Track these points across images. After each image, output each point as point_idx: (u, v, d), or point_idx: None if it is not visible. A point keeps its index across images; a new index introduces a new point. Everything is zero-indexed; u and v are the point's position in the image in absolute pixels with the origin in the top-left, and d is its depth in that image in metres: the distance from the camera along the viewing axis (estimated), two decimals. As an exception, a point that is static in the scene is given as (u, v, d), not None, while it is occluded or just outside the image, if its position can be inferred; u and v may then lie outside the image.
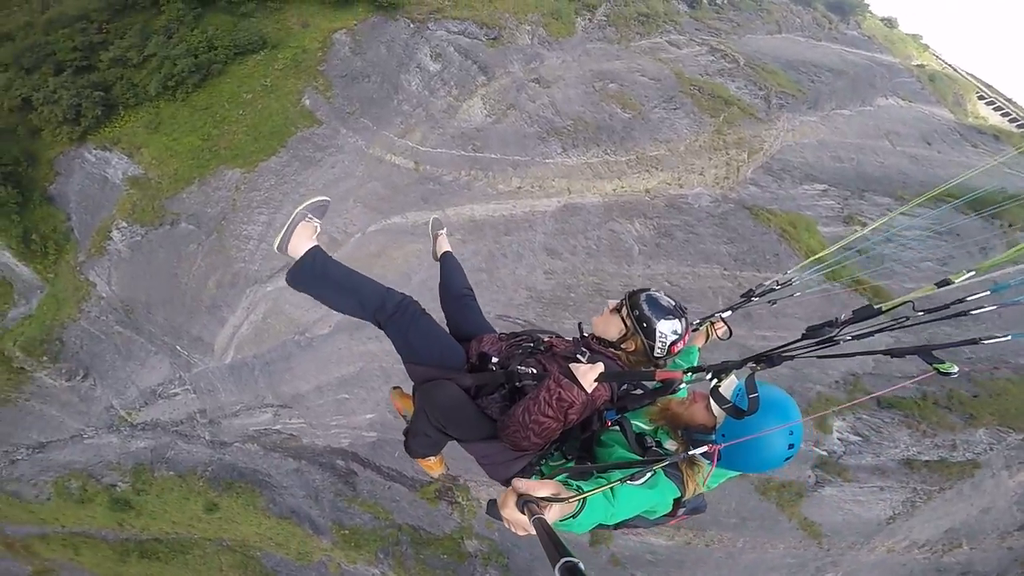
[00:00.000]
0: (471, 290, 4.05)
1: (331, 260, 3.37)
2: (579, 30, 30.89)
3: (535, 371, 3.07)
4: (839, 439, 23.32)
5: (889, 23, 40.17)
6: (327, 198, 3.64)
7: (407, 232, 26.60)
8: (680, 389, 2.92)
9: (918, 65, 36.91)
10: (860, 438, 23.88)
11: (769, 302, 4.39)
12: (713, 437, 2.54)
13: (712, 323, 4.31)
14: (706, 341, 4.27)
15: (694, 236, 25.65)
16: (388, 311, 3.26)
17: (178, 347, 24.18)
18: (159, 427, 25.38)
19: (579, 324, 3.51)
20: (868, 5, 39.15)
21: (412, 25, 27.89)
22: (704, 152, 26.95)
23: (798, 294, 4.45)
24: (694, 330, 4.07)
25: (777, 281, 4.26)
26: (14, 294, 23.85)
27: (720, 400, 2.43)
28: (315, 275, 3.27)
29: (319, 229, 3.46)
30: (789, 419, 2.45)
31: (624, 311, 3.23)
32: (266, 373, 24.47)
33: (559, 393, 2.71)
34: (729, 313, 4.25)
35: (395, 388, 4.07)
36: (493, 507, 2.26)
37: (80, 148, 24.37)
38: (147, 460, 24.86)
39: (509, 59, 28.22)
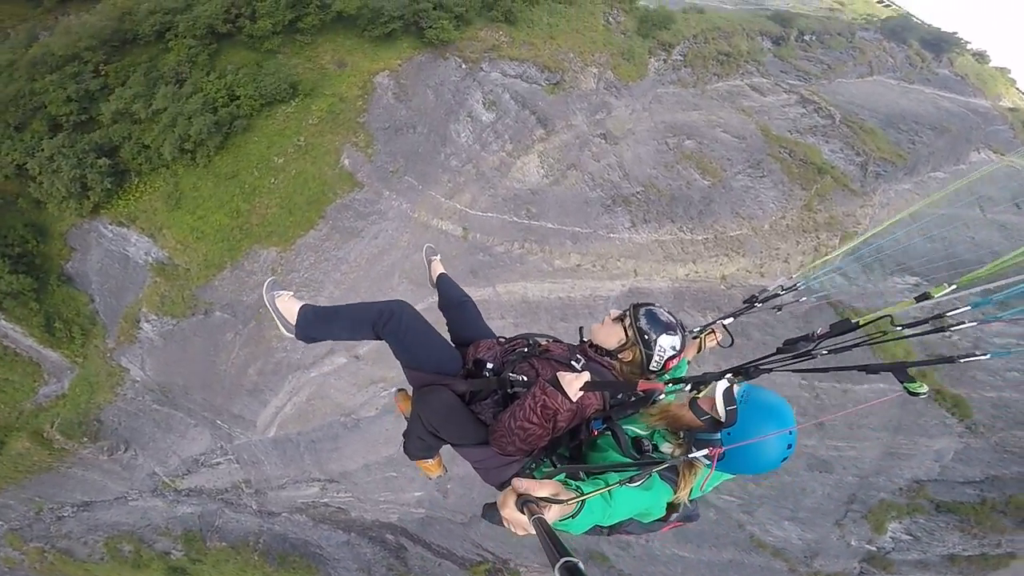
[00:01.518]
0: (469, 297, 3.60)
1: (320, 307, 3.08)
2: (651, 72, 22.26)
3: (524, 378, 2.69)
4: (891, 538, 21.19)
5: (980, 58, 32.24)
6: (274, 277, 3.41)
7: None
8: (661, 399, 2.49)
9: (1011, 109, 29.21)
10: (911, 538, 21.14)
11: (775, 308, 3.70)
12: (718, 437, 2.12)
13: (705, 335, 3.59)
14: (698, 352, 3.63)
15: (771, 338, 19.08)
16: (383, 321, 2.84)
17: (218, 421, 20.80)
18: (204, 494, 22.52)
19: (580, 329, 3.09)
20: (966, 43, 30.56)
21: (464, 66, 20.30)
22: (791, 233, 20.51)
23: (804, 299, 3.71)
24: (694, 337, 3.50)
25: (781, 286, 3.54)
26: (43, 373, 19.96)
27: (698, 412, 2.16)
28: (315, 323, 2.99)
29: (292, 293, 3.15)
30: (786, 421, 2.12)
31: (627, 321, 2.81)
32: (312, 450, 21.53)
33: (544, 400, 2.38)
34: (731, 320, 3.53)
35: (400, 390, 3.50)
36: (489, 510, 2.10)
37: (94, 221, 18.76)
38: (195, 526, 22.54)
39: (572, 108, 20.91)
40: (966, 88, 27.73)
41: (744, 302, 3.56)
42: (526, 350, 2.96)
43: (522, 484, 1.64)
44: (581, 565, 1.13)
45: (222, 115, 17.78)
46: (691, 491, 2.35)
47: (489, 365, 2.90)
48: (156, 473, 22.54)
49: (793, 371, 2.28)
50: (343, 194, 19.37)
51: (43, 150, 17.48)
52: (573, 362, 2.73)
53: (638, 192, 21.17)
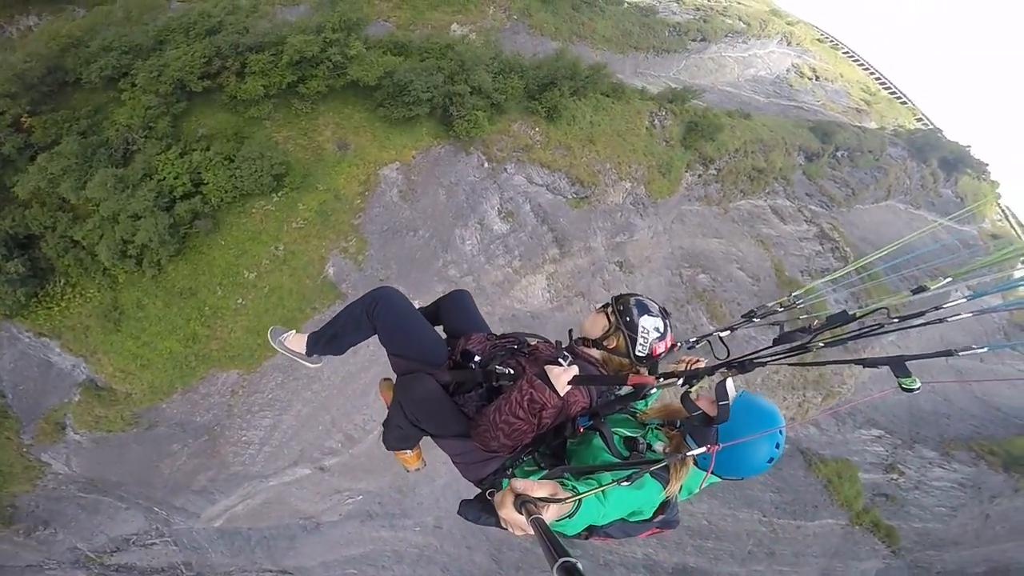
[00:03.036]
0: (464, 290, 3.50)
1: (320, 330, 3.10)
2: (682, 187, 20.44)
3: (511, 371, 2.64)
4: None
5: (980, 173, 32.17)
6: (275, 327, 3.44)
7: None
8: (651, 395, 2.51)
9: (993, 236, 30.20)
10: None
11: (775, 324, 3.29)
12: (716, 427, 2.10)
13: (694, 360, 3.21)
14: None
15: (744, 482, 22.71)
16: (372, 308, 2.84)
17: (155, 508, 18.40)
18: (137, 571, 19.88)
19: (569, 330, 3.04)
20: (985, 164, 30.87)
21: (487, 164, 17.43)
22: (780, 389, 20.35)
23: (803, 317, 3.50)
24: (690, 348, 3.34)
25: (781, 303, 3.41)
26: None
27: (690, 407, 2.09)
28: (326, 344, 3.09)
29: (294, 331, 3.30)
30: (775, 422, 2.15)
31: (609, 308, 2.82)
32: (264, 545, 19.62)
33: (531, 394, 2.31)
34: (728, 333, 3.23)
35: (385, 379, 3.41)
36: (466, 508, 2.29)
37: (4, 322, 14.91)
38: (126, 601, 19.67)
39: (594, 227, 19.00)
40: (965, 215, 28.15)
41: (742, 316, 3.42)
42: (515, 347, 2.84)
43: (520, 484, 1.57)
44: (580, 565, 1.06)
45: (180, 212, 13.95)
46: (681, 488, 2.26)
47: (476, 357, 2.76)
48: (79, 548, 20.20)
49: (788, 364, 2.17)
50: (323, 308, 16.57)
51: None
52: (560, 359, 2.54)
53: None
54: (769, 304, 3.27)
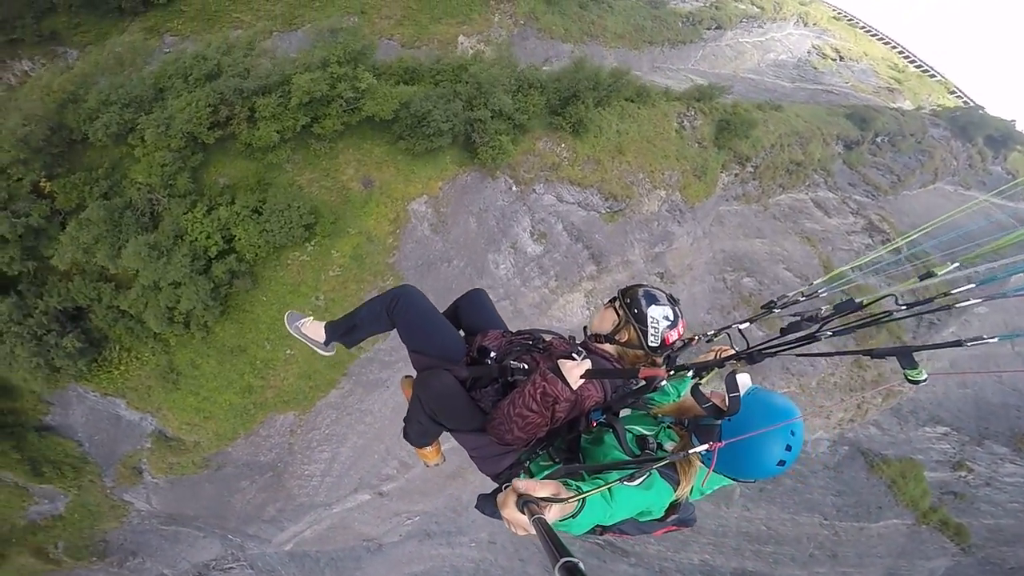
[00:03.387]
0: (480, 289, 2.97)
1: (339, 320, 2.80)
2: (719, 188, 17.35)
3: (525, 366, 2.32)
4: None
5: None
6: (291, 310, 3.09)
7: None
8: (662, 387, 1.99)
9: None
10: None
11: (795, 315, 2.40)
12: (718, 427, 1.79)
13: (722, 349, 2.53)
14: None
15: (802, 486, 17.52)
16: (392, 306, 2.54)
17: (229, 536, 17.70)
18: None
19: (584, 327, 2.57)
20: None
21: (515, 188, 15.02)
22: (837, 391, 17.42)
23: (824, 307, 2.43)
24: (708, 341, 2.67)
25: (802, 293, 2.60)
26: (31, 496, 16.01)
27: (700, 399, 1.83)
28: (341, 332, 2.81)
29: (311, 317, 2.94)
30: (789, 438, 1.72)
31: (616, 302, 2.44)
32: (332, 566, 18.74)
33: (544, 387, 2.02)
34: (747, 325, 2.60)
35: (406, 377, 2.85)
36: (483, 502, 2.13)
37: (73, 385, 13.89)
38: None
39: (631, 239, 16.28)
40: (1016, 191, 23.67)
41: (762, 307, 2.68)
42: (530, 343, 2.50)
43: (522, 484, 1.37)
44: (582, 565, 0.95)
45: (218, 274, 12.16)
46: (692, 490, 1.91)
47: (492, 353, 2.44)
48: (165, 574, 19.63)
49: (797, 355, 1.78)
50: (368, 347, 14.79)
51: None
52: (574, 355, 2.20)
53: (687, 339, 17.26)
54: (790, 294, 2.60)
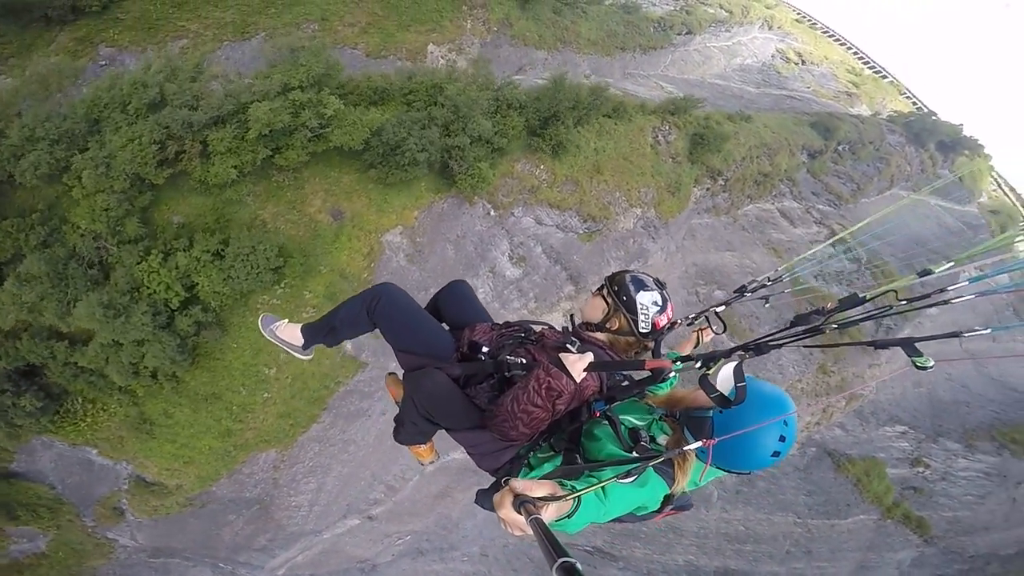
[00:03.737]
0: (462, 280, 2.68)
1: (316, 322, 2.48)
2: (691, 202, 16.55)
3: (524, 361, 2.09)
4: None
5: (973, 149, 26.58)
6: (265, 313, 2.75)
7: (470, 470, 15.60)
8: (669, 379, 1.95)
9: (993, 212, 25.36)
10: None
11: (762, 299, 2.99)
12: (710, 414, 1.69)
13: (702, 329, 2.89)
14: (696, 346, 2.84)
15: (775, 487, 17.43)
16: (372, 306, 2.24)
17: (220, 564, 16.26)
18: None
19: (571, 315, 2.45)
20: (980, 145, 25.47)
21: (493, 213, 13.75)
22: (804, 397, 17.15)
23: (787, 291, 2.00)
24: (688, 324, 2.77)
25: (768, 278, 2.80)
26: (9, 536, 14.41)
27: (708, 388, 1.61)
28: (319, 334, 2.48)
29: (287, 320, 2.62)
30: (781, 411, 1.60)
31: (605, 290, 2.23)
32: None
33: (548, 382, 1.85)
34: (723, 308, 2.73)
35: (390, 374, 2.61)
36: (482, 497, 1.93)
37: (36, 437, 12.32)
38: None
39: (607, 258, 15.38)
40: (962, 194, 23.62)
41: (735, 291, 2.81)
42: (522, 336, 2.26)
43: (519, 484, 1.27)
44: (579, 565, 0.87)
45: (182, 327, 10.52)
46: (685, 483, 1.77)
47: (484, 348, 2.18)
48: (155, 602, 18.32)
49: (803, 346, 1.76)
50: (346, 380, 13.55)
51: None
52: (569, 345, 2.02)
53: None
54: (759, 278, 2.78)
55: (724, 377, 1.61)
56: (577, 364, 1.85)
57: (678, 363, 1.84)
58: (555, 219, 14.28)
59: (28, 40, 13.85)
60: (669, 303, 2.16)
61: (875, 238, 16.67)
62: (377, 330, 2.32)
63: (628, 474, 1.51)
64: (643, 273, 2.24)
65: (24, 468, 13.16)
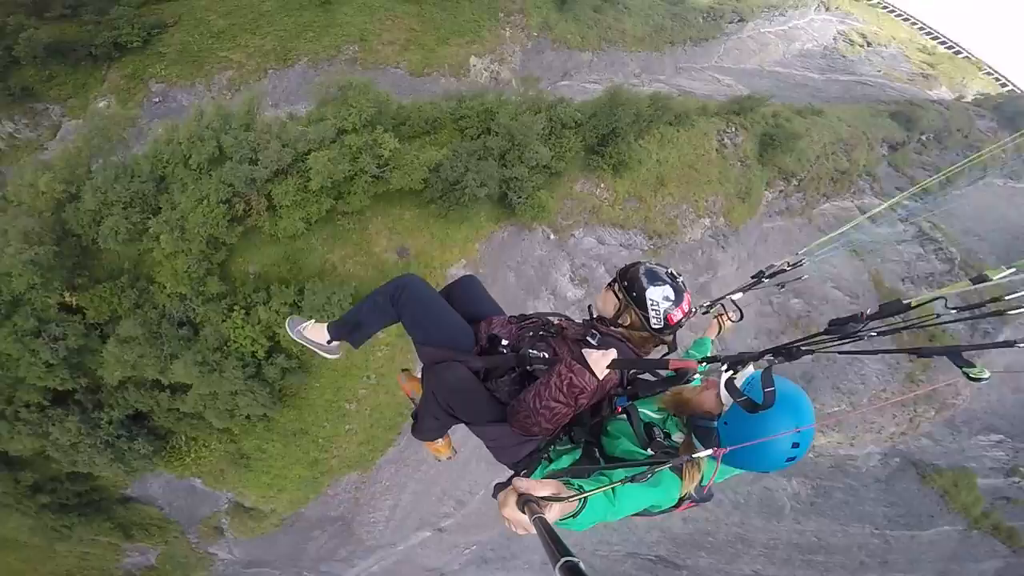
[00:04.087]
0: (471, 275, 2.45)
1: (342, 318, 2.30)
2: (763, 206, 14.45)
3: (547, 355, 1.91)
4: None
5: None
6: (291, 316, 2.68)
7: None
8: (694, 379, 1.70)
9: None
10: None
11: (778, 285, 2.60)
12: (715, 424, 1.55)
13: (720, 314, 2.59)
14: (719, 332, 2.58)
15: (853, 498, 15.52)
16: (396, 298, 2.06)
17: (304, 572, 16.27)
18: None
19: (588, 306, 2.19)
20: None
21: (553, 237, 12.59)
22: (889, 408, 15.12)
23: (806, 276, 2.55)
24: (704, 313, 2.47)
25: (788, 263, 2.41)
26: (124, 551, 15.08)
27: (735, 392, 1.44)
28: (346, 331, 2.27)
29: (313, 320, 2.41)
30: (797, 419, 1.41)
31: (616, 285, 1.98)
32: None
33: (570, 379, 1.67)
34: (740, 295, 2.49)
35: (404, 370, 2.49)
36: (499, 491, 1.49)
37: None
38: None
39: None
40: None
41: (752, 277, 2.47)
42: (542, 329, 2.05)
43: (522, 484, 1.18)
44: (582, 565, 0.83)
45: (270, 375, 10.21)
46: (701, 480, 1.61)
47: (504, 342, 2.01)
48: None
49: (839, 352, 1.46)
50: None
51: (57, 438, 10.34)
52: (589, 338, 1.89)
53: (737, 365, 14.70)
54: (777, 263, 2.39)
55: (741, 374, 1.44)
56: (600, 361, 1.66)
57: (703, 364, 1.62)
58: (618, 238, 12.66)
59: (81, 79, 13.66)
60: (685, 295, 1.87)
61: (978, 239, 13.75)
62: (401, 324, 2.12)
63: (636, 477, 1.31)
64: (657, 265, 1.94)
65: (137, 493, 13.55)
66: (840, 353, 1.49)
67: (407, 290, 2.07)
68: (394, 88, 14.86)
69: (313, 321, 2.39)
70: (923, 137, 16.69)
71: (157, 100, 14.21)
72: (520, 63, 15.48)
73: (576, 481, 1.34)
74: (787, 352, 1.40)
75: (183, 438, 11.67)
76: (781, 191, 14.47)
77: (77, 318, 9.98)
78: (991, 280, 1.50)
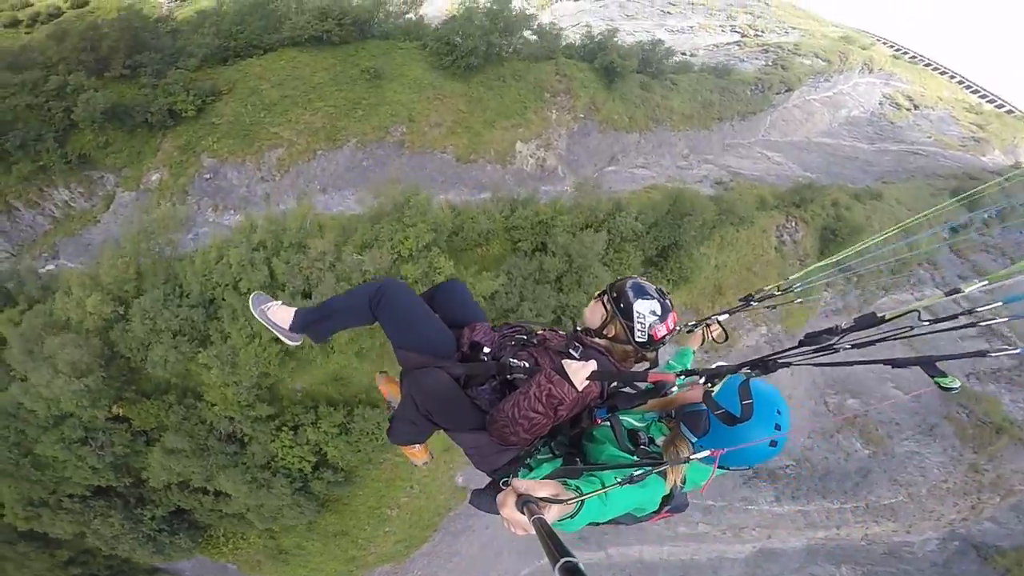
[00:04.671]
0: (458, 279, 2.31)
1: (313, 308, 2.00)
2: (820, 305, 12.61)
3: (527, 364, 1.70)
4: None
5: None
6: (256, 292, 2.14)
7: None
8: (672, 391, 1.58)
9: None
10: None
11: (769, 307, 2.34)
12: (703, 406, 1.39)
13: (708, 325, 2.30)
14: (702, 343, 2.32)
15: None
16: (376, 300, 1.81)
17: None
18: None
19: (572, 319, 2.09)
20: None
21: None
22: (950, 496, 13.11)
23: (798, 301, 2.31)
24: (688, 331, 2.25)
25: (779, 287, 2.14)
26: None
27: (712, 405, 1.35)
28: (315, 323, 1.97)
29: (280, 302, 2.08)
30: (776, 417, 1.39)
31: (605, 296, 1.80)
32: None
33: (549, 389, 1.50)
34: (726, 316, 2.19)
35: (382, 372, 2.29)
36: (477, 497, 1.71)
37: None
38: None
39: None
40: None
41: (740, 300, 2.22)
42: (524, 338, 1.85)
43: (522, 485, 1.07)
44: (581, 565, 0.77)
45: (316, 489, 9.01)
46: (684, 481, 1.54)
47: (486, 349, 1.81)
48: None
49: (814, 364, 1.40)
50: (456, 506, 11.30)
51: (98, 528, 9.40)
52: (571, 350, 1.71)
53: (788, 466, 12.74)
54: (767, 288, 2.17)
55: (720, 387, 1.37)
56: (580, 372, 1.51)
57: (681, 377, 1.52)
58: (671, 353, 10.61)
59: (136, 147, 12.54)
60: (671, 313, 1.72)
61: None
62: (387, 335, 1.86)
63: (632, 479, 1.20)
64: (646, 283, 1.78)
65: (166, 565, 12.31)
66: (815, 365, 1.39)
67: (387, 294, 1.82)
68: (440, 175, 13.24)
69: (280, 302, 2.06)
70: (985, 215, 14.16)
71: (208, 177, 12.92)
72: (566, 147, 13.63)
73: (573, 482, 1.21)
74: (763, 365, 1.32)
75: (223, 529, 10.57)
76: (840, 289, 12.24)
77: (123, 426, 9.06)
78: (963, 292, 1.46)
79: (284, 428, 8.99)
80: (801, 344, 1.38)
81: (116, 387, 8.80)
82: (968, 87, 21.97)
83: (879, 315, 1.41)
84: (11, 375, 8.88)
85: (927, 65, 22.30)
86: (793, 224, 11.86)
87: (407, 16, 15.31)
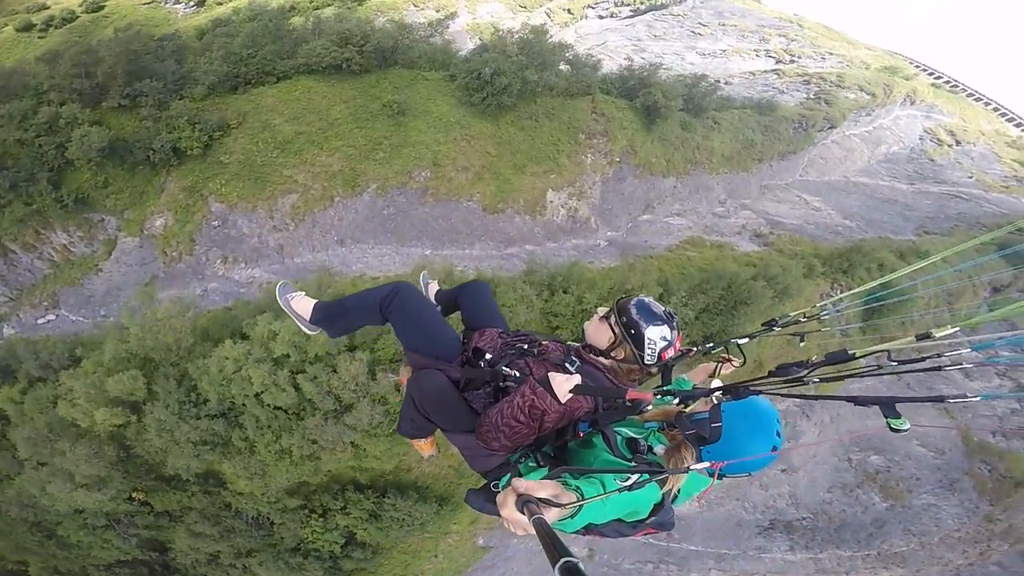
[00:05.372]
0: (482, 281, 2.41)
1: (331, 302, 2.03)
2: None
3: (517, 373, 1.70)
4: None
5: None
6: (284, 280, 2.20)
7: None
8: (647, 411, 1.59)
9: None
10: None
11: (796, 335, 2.33)
12: (707, 414, 1.35)
13: (723, 359, 2.18)
14: (712, 376, 2.13)
15: None
16: (387, 303, 1.84)
17: None
18: None
19: (582, 330, 1.90)
20: None
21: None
22: (961, 545, 12.76)
23: (826, 329, 2.42)
24: (704, 353, 2.14)
25: (804, 314, 2.12)
26: None
27: (683, 426, 1.36)
28: (330, 319, 1.99)
29: (303, 293, 2.10)
30: (770, 426, 1.35)
31: (612, 319, 1.70)
32: None
33: (532, 400, 1.50)
34: (746, 340, 2.11)
35: (406, 365, 2.10)
36: (472, 497, 1.64)
37: None
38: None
39: None
40: None
41: (763, 324, 2.14)
42: (525, 347, 1.83)
43: (522, 485, 1.04)
44: (581, 565, 0.76)
45: (346, 567, 8.55)
46: (680, 492, 1.49)
47: (487, 356, 1.80)
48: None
49: (783, 395, 1.43)
50: (474, 562, 10.98)
51: None
52: (567, 364, 1.69)
53: (805, 518, 12.43)
54: (792, 314, 2.12)
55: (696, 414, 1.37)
56: (564, 385, 1.47)
57: (658, 397, 1.56)
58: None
59: (139, 187, 11.19)
60: (678, 335, 1.68)
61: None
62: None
63: (633, 486, 1.18)
64: (651, 301, 1.71)
65: None
66: (783, 396, 1.40)
67: (398, 297, 1.83)
68: (465, 226, 12.00)
69: (303, 294, 2.08)
70: (1027, 276, 13.26)
71: (216, 224, 11.64)
72: (600, 195, 12.33)
73: (573, 483, 1.17)
74: (734, 391, 1.34)
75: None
76: (875, 356, 11.46)
77: (146, 509, 8.32)
78: (935, 338, 1.46)
79: (314, 515, 8.30)
80: (771, 375, 1.40)
81: (135, 479, 8.07)
82: (1007, 117, 20.36)
83: (850, 352, 1.44)
84: (22, 461, 8.11)
85: (966, 93, 20.59)
86: (838, 292, 10.90)
87: (432, 40, 13.50)
